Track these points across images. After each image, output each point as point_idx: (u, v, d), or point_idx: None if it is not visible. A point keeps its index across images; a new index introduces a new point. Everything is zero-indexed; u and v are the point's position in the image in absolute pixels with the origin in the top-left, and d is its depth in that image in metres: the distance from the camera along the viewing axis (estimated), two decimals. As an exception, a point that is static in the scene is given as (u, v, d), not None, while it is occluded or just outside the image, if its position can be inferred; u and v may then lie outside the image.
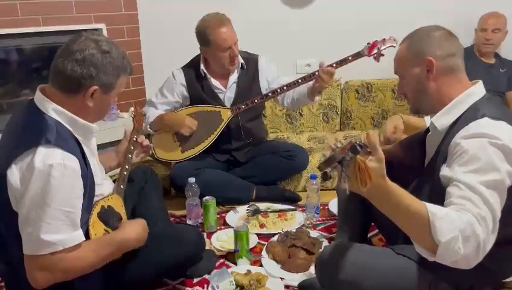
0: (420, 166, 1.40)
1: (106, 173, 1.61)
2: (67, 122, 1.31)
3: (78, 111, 1.32)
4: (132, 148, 1.72)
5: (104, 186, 1.48)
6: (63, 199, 1.21)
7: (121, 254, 1.39)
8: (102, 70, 1.29)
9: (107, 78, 1.31)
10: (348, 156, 0.98)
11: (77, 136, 1.33)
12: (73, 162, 1.24)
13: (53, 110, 1.29)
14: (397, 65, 1.36)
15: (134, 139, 1.75)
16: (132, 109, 1.78)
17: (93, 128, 1.39)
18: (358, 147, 0.96)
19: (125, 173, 1.62)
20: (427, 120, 1.86)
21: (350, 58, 2.17)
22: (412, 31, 1.34)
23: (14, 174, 1.21)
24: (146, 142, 1.79)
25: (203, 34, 2.22)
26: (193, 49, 2.31)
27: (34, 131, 1.25)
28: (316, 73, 2.16)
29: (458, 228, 0.99)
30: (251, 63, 2.40)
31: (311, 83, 2.22)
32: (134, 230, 1.43)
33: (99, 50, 1.30)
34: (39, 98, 1.31)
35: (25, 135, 1.26)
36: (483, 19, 2.83)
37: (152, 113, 2.35)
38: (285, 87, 2.25)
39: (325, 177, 1.03)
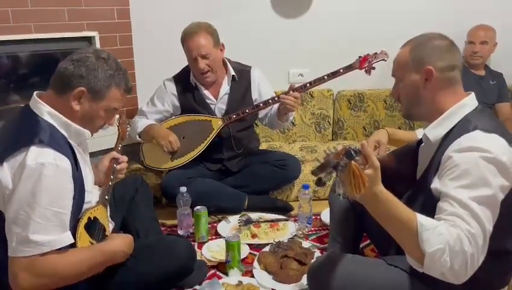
0: (412, 177, 1.40)
1: None
2: (61, 127, 1.32)
3: (66, 115, 1.32)
4: (115, 166, 1.67)
5: (93, 194, 1.47)
6: (54, 198, 1.21)
7: (106, 266, 1.37)
8: (92, 73, 1.31)
9: (96, 83, 1.32)
10: (342, 162, 0.98)
11: (71, 142, 1.33)
12: (65, 163, 1.24)
13: (48, 114, 1.30)
14: (396, 68, 1.34)
15: (119, 147, 1.73)
16: (117, 116, 1.77)
17: (86, 134, 1.39)
18: (353, 153, 0.96)
19: (110, 183, 1.60)
20: (418, 132, 1.87)
21: (341, 70, 2.19)
22: (415, 36, 1.32)
23: (5, 172, 1.20)
24: (124, 164, 1.70)
25: (181, 41, 2.25)
26: (185, 58, 2.31)
27: (28, 132, 1.25)
28: (277, 98, 2.20)
29: (446, 241, 1.00)
30: (243, 75, 2.40)
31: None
32: (125, 243, 1.42)
33: (96, 55, 1.34)
34: (34, 102, 1.32)
35: (18, 135, 1.26)
36: (472, 31, 2.87)
37: (141, 124, 2.35)
38: (276, 98, 2.26)
39: (320, 183, 1.03)
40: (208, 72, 2.26)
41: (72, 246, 1.28)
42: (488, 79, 2.90)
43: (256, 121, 2.57)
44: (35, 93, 1.34)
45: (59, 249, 1.23)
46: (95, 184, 1.56)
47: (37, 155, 1.20)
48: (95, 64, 1.32)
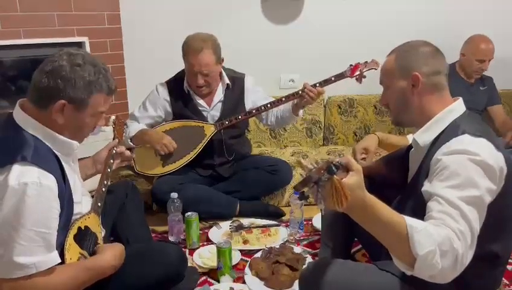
0: (403, 182, 1.41)
1: (84, 180, 1.56)
2: (46, 139, 1.27)
3: (51, 127, 1.28)
4: (112, 161, 1.67)
5: (83, 204, 1.44)
6: (38, 219, 1.17)
7: (96, 280, 1.34)
8: (70, 83, 1.23)
9: (75, 93, 1.25)
10: (324, 177, 0.98)
11: (56, 153, 1.29)
12: (50, 180, 1.20)
13: (31, 126, 1.25)
14: (383, 76, 1.37)
15: (114, 151, 1.70)
16: (113, 118, 1.73)
17: (74, 145, 1.35)
18: (333, 168, 0.97)
19: (103, 189, 1.57)
20: (409, 137, 1.88)
21: (333, 78, 2.22)
22: (401, 44, 1.35)
23: None
24: (127, 153, 1.74)
25: (183, 48, 2.23)
26: (177, 64, 2.30)
27: (11, 147, 1.21)
28: (300, 92, 2.20)
29: (436, 242, 0.99)
30: (237, 83, 2.40)
31: (294, 100, 2.25)
32: (115, 257, 1.38)
33: (70, 62, 1.25)
34: (18, 113, 1.27)
35: (0, 151, 1.22)
36: (480, 49, 2.71)
37: (134, 128, 2.32)
38: (268, 105, 2.27)
39: (303, 196, 1.04)
40: (204, 87, 2.26)
41: (60, 257, 1.24)
42: (479, 85, 2.90)
43: (248, 127, 2.56)
44: (18, 102, 1.29)
45: (46, 269, 1.20)
46: (91, 176, 1.52)
47: (20, 174, 1.15)
48: (70, 73, 1.23)
